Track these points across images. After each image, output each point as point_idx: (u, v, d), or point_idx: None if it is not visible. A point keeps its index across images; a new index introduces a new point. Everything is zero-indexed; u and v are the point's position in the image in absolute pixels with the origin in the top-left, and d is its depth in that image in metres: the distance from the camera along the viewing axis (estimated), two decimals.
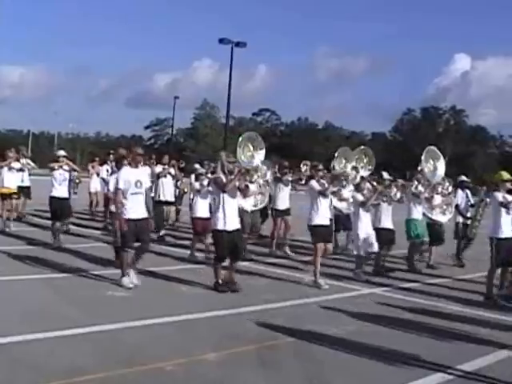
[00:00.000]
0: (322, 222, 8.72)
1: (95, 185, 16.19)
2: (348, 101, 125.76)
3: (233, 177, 7.93)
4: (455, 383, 5.07)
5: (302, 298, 7.91)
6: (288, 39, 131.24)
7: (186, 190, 15.53)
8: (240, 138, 8.55)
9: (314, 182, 8.89)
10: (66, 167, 11.59)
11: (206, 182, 10.62)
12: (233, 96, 35.43)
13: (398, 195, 10.05)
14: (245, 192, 8.26)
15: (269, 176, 9.46)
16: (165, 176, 12.99)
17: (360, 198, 9.40)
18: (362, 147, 10.89)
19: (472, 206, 11.43)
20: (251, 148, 8.58)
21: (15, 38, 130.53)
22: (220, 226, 7.84)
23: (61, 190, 11.43)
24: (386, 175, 10.04)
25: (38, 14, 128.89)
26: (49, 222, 14.03)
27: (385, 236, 9.76)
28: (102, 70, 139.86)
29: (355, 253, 9.54)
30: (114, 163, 13.27)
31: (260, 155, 8.62)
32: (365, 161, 10.48)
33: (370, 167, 10.43)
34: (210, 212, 9.14)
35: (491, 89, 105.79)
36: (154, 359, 5.09)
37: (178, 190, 14.68)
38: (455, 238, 11.60)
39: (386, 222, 9.91)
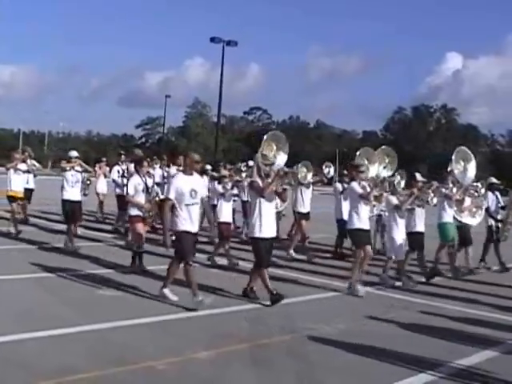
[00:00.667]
0: (363, 226, 8.36)
1: (102, 185, 15.71)
2: (339, 99, 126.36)
3: (270, 180, 7.48)
4: (447, 381, 5.01)
5: (295, 296, 7.81)
6: (280, 38, 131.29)
7: None
8: (265, 136, 8.04)
9: (355, 185, 8.47)
10: (78, 168, 11.20)
11: (229, 186, 10.27)
12: (224, 95, 35.50)
13: (435, 200, 9.66)
14: (282, 196, 7.78)
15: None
16: None
17: (395, 201, 9.03)
18: (384, 147, 10.42)
19: (503, 208, 11.11)
20: (274, 148, 8.05)
21: (5, 37, 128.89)
22: (256, 234, 7.37)
23: (73, 193, 11.01)
24: (419, 177, 9.59)
25: (29, 13, 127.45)
26: (48, 223, 13.98)
27: (419, 240, 9.42)
28: (94, 68, 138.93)
29: (388, 256, 9.20)
30: (127, 165, 12.83)
31: (283, 157, 8.08)
32: (387, 161, 10.10)
33: (392, 167, 10.04)
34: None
35: (483, 87, 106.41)
36: (145, 358, 5.03)
37: None
38: (488, 242, 11.14)
39: (419, 226, 9.54)
